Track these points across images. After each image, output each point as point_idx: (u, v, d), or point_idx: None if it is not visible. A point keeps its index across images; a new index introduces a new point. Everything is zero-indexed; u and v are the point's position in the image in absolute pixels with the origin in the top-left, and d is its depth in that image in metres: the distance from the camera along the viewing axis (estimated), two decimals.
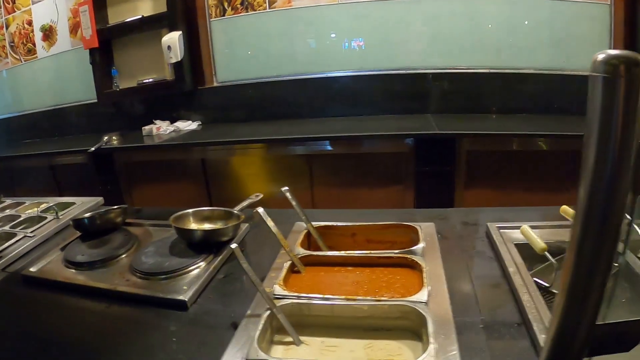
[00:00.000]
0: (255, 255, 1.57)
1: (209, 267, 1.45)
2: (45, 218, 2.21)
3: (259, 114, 4.37)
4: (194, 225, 1.77)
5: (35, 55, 5.34)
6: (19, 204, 2.56)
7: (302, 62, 4.18)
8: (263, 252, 1.54)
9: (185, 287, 1.34)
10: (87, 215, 1.94)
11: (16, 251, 1.80)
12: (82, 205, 2.40)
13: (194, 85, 4.36)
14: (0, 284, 1.57)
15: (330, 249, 1.53)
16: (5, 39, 5.55)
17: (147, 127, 4.23)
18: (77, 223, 1.95)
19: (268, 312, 1.12)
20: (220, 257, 1.52)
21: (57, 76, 5.20)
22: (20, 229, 2.10)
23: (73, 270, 1.58)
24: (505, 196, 3.26)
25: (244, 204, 1.86)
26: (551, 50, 3.57)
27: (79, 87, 5.03)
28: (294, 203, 1.46)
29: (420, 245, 1.39)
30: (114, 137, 4.13)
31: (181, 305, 1.26)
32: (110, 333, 1.21)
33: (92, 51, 4.49)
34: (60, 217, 2.22)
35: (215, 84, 4.43)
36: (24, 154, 4.50)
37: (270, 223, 1.34)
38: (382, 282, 1.27)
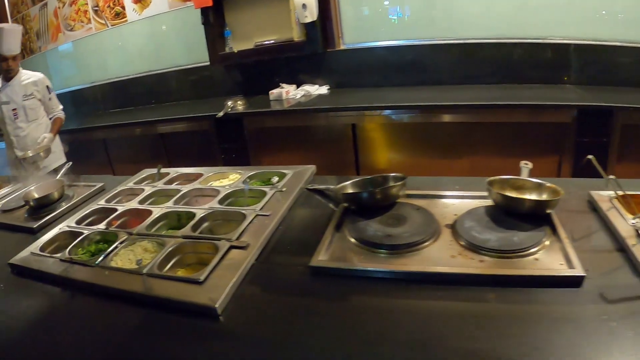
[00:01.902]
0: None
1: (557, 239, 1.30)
2: (265, 192, 1.90)
3: (392, 79, 3.98)
4: (513, 194, 1.52)
5: (124, 19, 4.93)
6: (194, 175, 2.26)
7: (439, 26, 3.79)
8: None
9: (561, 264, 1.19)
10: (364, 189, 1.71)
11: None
12: (298, 175, 2.06)
13: (323, 48, 3.92)
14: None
15: None
16: (88, 3, 5.14)
17: (275, 91, 3.86)
18: (351, 197, 1.67)
19: None
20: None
21: (152, 41, 4.81)
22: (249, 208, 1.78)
23: (384, 254, 1.37)
24: None
25: (524, 174, 1.63)
26: None
27: (178, 52, 4.65)
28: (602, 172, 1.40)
29: None
30: (239, 102, 3.77)
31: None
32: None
33: (204, 10, 4.08)
34: (283, 189, 1.91)
35: (341, 47, 4.00)
36: (133, 121, 4.13)
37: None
38: None
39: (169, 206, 1.89)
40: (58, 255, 1.62)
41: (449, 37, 3.75)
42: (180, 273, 1.50)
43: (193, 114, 3.89)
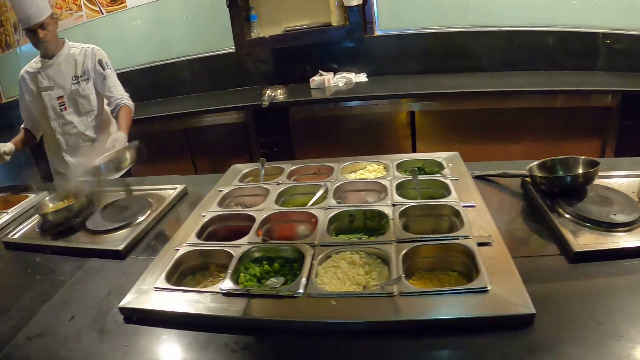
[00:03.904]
0: None
1: None
2: (443, 182, 1.66)
3: (430, 66, 3.81)
4: None
5: (122, 5, 4.40)
6: (318, 168, 1.97)
7: (475, 13, 3.66)
8: None
9: None
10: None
11: None
12: (452, 162, 1.84)
13: (362, 33, 3.68)
14: None
15: None
16: None
17: (316, 79, 3.58)
18: (554, 181, 1.56)
19: None
20: None
21: (156, 28, 4.33)
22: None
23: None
24: None
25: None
26: None
27: (188, 39, 4.22)
28: None
29: None
30: (279, 91, 3.43)
31: None
32: None
33: None
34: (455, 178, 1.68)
35: (376, 33, 3.77)
36: (152, 116, 3.67)
37: None
38: None
39: (330, 205, 1.56)
40: (211, 287, 1.27)
41: (485, 25, 3.65)
42: (419, 285, 1.21)
43: (225, 105, 3.50)
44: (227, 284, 1.19)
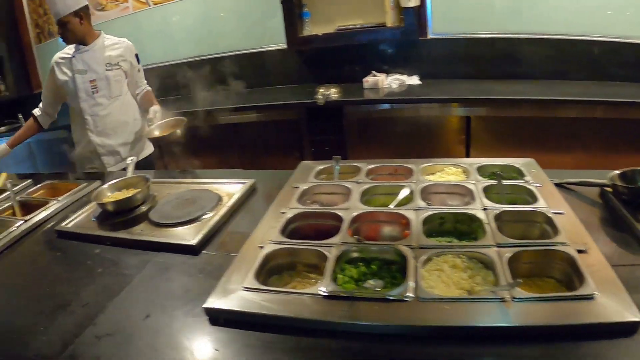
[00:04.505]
0: None
1: None
2: (527, 188, 1.66)
3: (482, 71, 3.77)
4: None
5: None
6: (394, 168, 1.96)
7: (527, 20, 3.61)
8: None
9: None
10: None
11: None
12: (529, 168, 1.83)
13: (417, 35, 3.67)
14: None
15: None
16: None
17: (370, 79, 3.58)
18: None
19: None
20: None
21: (204, 22, 4.38)
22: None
23: None
24: None
25: None
26: None
27: (237, 34, 4.25)
28: None
29: None
30: (332, 90, 3.45)
31: None
32: None
33: None
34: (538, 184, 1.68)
35: (429, 36, 3.76)
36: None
37: None
38: None
39: (420, 207, 1.56)
40: (305, 288, 1.25)
41: (538, 32, 3.60)
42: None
43: (277, 102, 3.50)
44: (327, 286, 1.18)
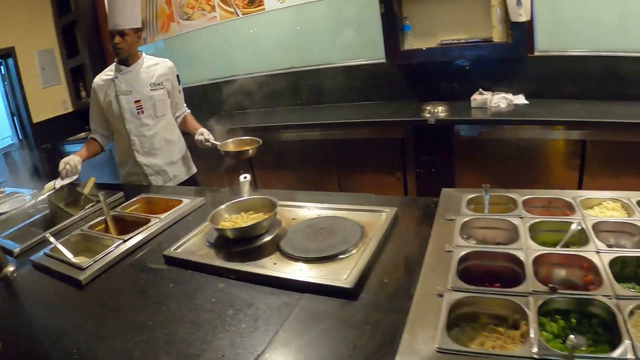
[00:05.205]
0: None
1: None
2: None
3: (590, 91, 3.54)
4: None
5: (260, 7, 4.43)
6: (549, 200, 1.80)
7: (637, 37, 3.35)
8: None
9: None
10: None
11: None
12: None
13: (525, 52, 3.50)
14: None
15: None
16: None
17: (478, 97, 3.43)
18: None
19: None
20: None
21: (296, 33, 4.33)
22: None
23: None
24: None
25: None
26: None
27: (331, 46, 4.19)
28: None
29: None
30: (439, 108, 3.32)
31: None
32: None
33: None
34: None
35: (536, 53, 3.58)
36: (303, 123, 3.65)
37: None
38: None
39: (600, 249, 1.41)
40: (505, 349, 1.09)
41: None
42: None
43: (381, 119, 3.41)
44: (537, 346, 1.04)
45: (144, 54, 2.82)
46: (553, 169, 3.20)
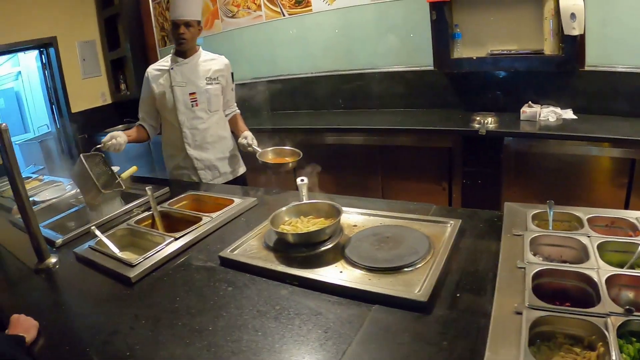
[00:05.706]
0: None
1: None
2: None
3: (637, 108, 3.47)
4: None
5: (307, 9, 4.47)
6: (613, 220, 1.79)
7: None
8: None
9: None
10: None
11: None
12: None
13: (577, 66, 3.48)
14: None
15: None
16: None
17: (527, 110, 3.42)
18: None
19: None
20: None
21: (343, 36, 4.33)
22: None
23: None
24: None
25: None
26: None
27: (378, 51, 4.19)
28: None
29: None
30: (489, 119, 3.33)
31: None
32: None
33: (437, 6, 3.62)
34: None
35: (586, 68, 3.55)
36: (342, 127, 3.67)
37: None
38: None
39: None
40: None
41: None
42: None
43: (431, 127, 3.43)
44: None
45: (201, 48, 2.83)
46: (599, 187, 3.18)
